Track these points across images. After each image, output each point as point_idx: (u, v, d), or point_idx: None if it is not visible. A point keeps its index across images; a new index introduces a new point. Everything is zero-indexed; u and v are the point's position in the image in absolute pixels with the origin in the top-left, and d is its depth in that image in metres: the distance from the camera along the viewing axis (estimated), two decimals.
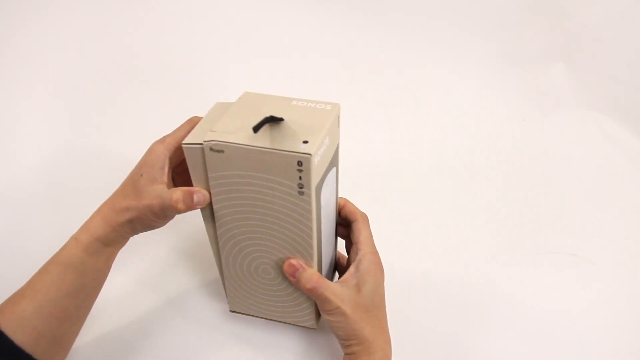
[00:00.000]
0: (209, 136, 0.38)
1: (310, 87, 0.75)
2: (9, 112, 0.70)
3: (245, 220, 0.42)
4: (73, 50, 0.73)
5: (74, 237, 0.45)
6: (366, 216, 0.50)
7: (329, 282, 0.44)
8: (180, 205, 0.42)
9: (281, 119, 0.38)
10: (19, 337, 0.41)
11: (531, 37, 0.79)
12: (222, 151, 0.38)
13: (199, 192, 0.43)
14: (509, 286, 0.62)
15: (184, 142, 0.41)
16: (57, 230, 0.48)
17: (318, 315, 0.48)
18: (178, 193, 0.42)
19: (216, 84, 0.72)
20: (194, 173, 0.42)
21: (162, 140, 0.45)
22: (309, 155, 0.36)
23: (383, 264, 0.48)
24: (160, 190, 0.43)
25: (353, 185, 0.67)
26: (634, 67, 0.77)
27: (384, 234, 0.62)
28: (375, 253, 0.48)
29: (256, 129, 0.36)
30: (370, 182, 0.67)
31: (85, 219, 0.46)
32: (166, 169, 0.44)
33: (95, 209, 0.46)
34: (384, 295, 0.48)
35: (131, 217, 0.44)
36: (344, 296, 0.44)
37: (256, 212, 0.41)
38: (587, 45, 0.78)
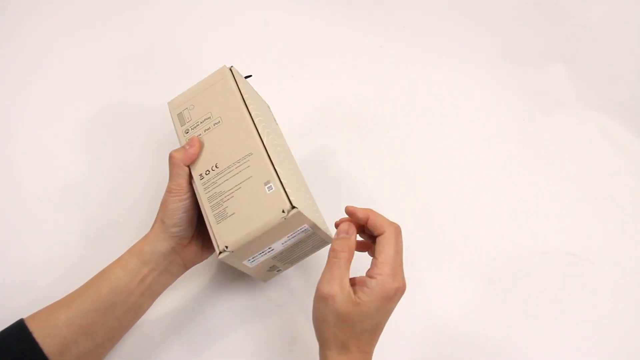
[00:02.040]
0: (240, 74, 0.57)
1: (311, 86, 0.75)
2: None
3: (271, 127, 0.56)
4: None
5: (119, 257, 0.48)
6: (396, 228, 0.45)
7: (347, 266, 0.43)
8: (175, 153, 0.49)
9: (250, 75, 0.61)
10: (48, 345, 0.42)
11: (531, 37, 0.79)
12: (250, 76, 0.61)
13: (191, 140, 0.50)
14: (509, 285, 0.62)
15: (230, 65, 0.56)
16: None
17: None
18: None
19: None
20: (245, 90, 0.54)
21: (177, 150, 0.50)
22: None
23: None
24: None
25: (352, 185, 0.67)
26: (634, 67, 0.77)
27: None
28: (393, 277, 0.43)
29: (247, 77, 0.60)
30: (370, 184, 0.68)
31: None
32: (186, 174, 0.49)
33: None
34: (379, 324, 0.44)
35: (162, 215, 0.48)
36: (342, 296, 0.42)
37: (267, 129, 0.53)
38: (587, 45, 0.78)
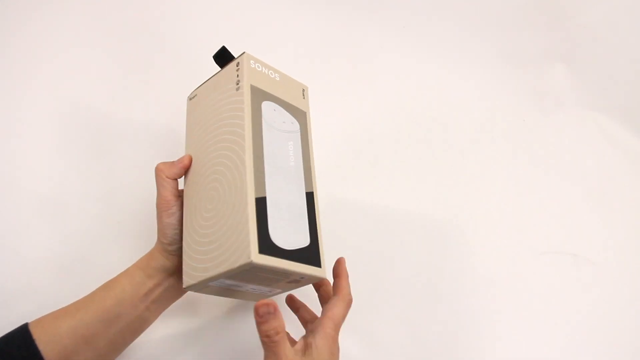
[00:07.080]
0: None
1: (310, 85, 0.75)
2: None
3: (206, 147, 0.47)
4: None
5: (126, 269, 0.47)
6: (350, 300, 0.46)
7: (286, 341, 0.41)
8: (160, 165, 0.46)
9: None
10: (49, 353, 0.42)
11: (531, 37, 0.79)
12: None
13: (182, 158, 0.48)
14: (509, 285, 0.62)
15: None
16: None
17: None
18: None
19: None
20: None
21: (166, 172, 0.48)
22: (244, 53, 0.48)
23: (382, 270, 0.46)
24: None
25: (354, 180, 0.67)
26: (634, 67, 0.77)
27: (384, 231, 0.62)
28: (335, 338, 0.43)
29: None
30: (371, 181, 0.67)
31: None
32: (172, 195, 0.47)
33: None
34: None
35: (159, 233, 0.46)
36: None
37: (215, 132, 0.47)
38: (587, 45, 0.78)
